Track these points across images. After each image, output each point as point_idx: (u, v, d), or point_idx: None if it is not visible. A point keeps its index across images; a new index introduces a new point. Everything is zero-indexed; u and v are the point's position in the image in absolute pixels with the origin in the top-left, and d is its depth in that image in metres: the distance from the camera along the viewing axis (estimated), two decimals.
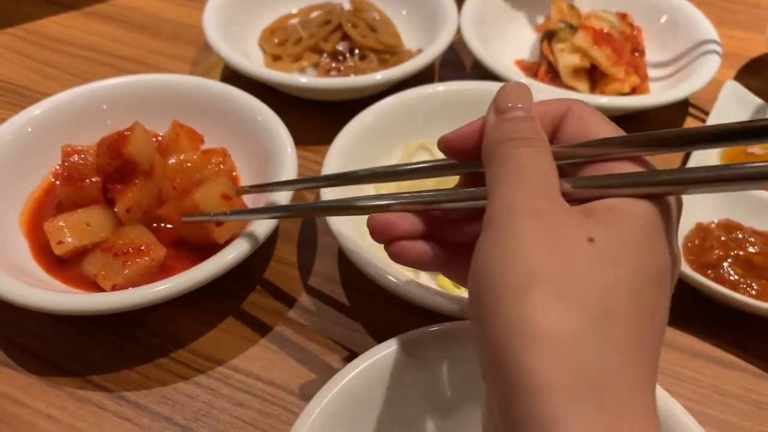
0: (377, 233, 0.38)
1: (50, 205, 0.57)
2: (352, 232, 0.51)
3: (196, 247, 0.53)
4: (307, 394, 0.48)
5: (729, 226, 0.57)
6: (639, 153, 0.31)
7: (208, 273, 0.48)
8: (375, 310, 0.54)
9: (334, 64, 0.77)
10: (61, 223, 0.52)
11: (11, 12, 0.86)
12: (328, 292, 0.55)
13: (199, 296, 0.50)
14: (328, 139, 0.58)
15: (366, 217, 0.57)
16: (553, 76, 0.75)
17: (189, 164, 0.56)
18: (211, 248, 0.51)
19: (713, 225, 0.57)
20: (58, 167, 0.58)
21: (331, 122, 0.62)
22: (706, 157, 0.62)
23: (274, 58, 0.78)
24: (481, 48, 0.72)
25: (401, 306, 0.49)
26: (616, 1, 0.82)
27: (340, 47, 0.78)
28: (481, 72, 0.74)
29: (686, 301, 0.53)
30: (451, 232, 0.38)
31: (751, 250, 0.55)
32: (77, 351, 0.50)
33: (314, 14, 0.83)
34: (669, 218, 0.29)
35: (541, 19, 0.81)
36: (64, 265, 0.52)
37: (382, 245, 0.55)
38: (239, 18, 0.79)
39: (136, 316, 0.51)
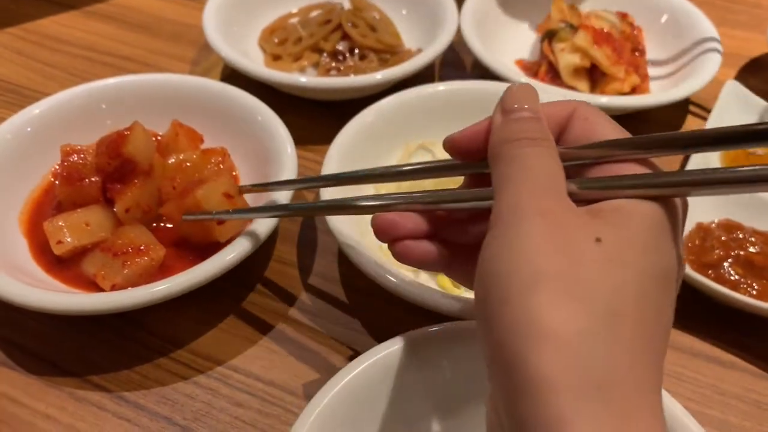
0: (381, 232, 0.38)
1: (49, 204, 0.57)
2: (352, 231, 0.51)
3: (197, 246, 0.53)
4: (306, 394, 0.48)
5: (729, 226, 0.57)
6: (644, 155, 0.31)
7: (208, 273, 0.48)
8: (375, 310, 0.54)
9: (334, 64, 0.77)
10: (60, 223, 0.52)
11: (11, 11, 0.86)
12: (328, 292, 0.55)
13: (199, 296, 0.50)
14: (328, 139, 0.58)
15: (366, 216, 0.57)
16: (553, 75, 0.75)
17: (188, 164, 0.56)
18: (210, 248, 0.51)
19: (714, 225, 0.57)
20: (57, 167, 0.58)
21: (331, 122, 0.62)
22: (706, 158, 0.62)
23: (274, 58, 0.78)
24: (481, 47, 0.72)
25: (401, 306, 0.49)
26: (616, 0, 0.82)
27: (340, 47, 0.78)
28: (482, 71, 0.74)
29: (686, 300, 0.53)
30: (455, 233, 0.38)
31: (751, 250, 0.55)
32: (76, 351, 0.50)
33: (314, 14, 0.83)
34: (675, 220, 0.30)
35: (541, 19, 0.80)
36: (63, 265, 0.52)
37: (382, 245, 0.55)
38: (239, 18, 0.79)
39: (136, 315, 0.51)
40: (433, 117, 0.64)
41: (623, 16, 0.78)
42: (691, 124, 0.74)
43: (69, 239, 0.51)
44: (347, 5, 0.83)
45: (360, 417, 0.39)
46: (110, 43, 0.82)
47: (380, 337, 0.47)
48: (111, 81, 0.63)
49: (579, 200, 0.30)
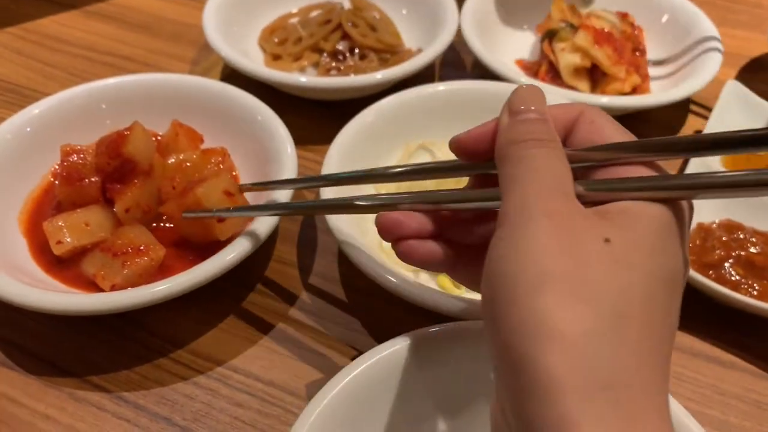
0: (385, 231, 0.38)
1: (49, 204, 0.57)
2: (352, 231, 0.51)
3: (197, 245, 0.53)
4: (306, 394, 0.48)
5: (730, 227, 0.56)
6: (651, 158, 0.31)
7: (208, 273, 0.48)
8: (375, 310, 0.54)
9: (334, 64, 0.77)
10: (60, 223, 0.52)
11: (11, 11, 0.86)
12: (328, 292, 0.55)
13: (199, 296, 0.50)
14: (328, 138, 0.58)
15: (367, 216, 0.57)
16: (553, 75, 0.75)
17: (188, 164, 0.56)
18: (210, 248, 0.51)
19: (714, 225, 0.57)
20: (57, 167, 0.58)
21: (331, 122, 0.62)
22: (706, 159, 0.62)
23: (274, 58, 0.78)
24: (481, 47, 0.72)
25: (401, 306, 0.49)
26: (617, 0, 0.82)
27: (340, 46, 0.78)
28: (482, 71, 0.74)
29: (687, 301, 0.52)
30: (460, 233, 0.38)
31: (752, 250, 0.55)
32: (76, 351, 0.50)
33: (314, 13, 0.83)
34: (682, 222, 0.30)
35: (541, 19, 0.80)
36: (63, 265, 0.52)
37: (382, 245, 0.55)
38: (239, 17, 0.79)
39: (136, 316, 0.51)
40: (434, 117, 0.64)
41: (624, 16, 0.78)
42: (691, 124, 0.74)
43: (69, 239, 0.51)
44: (347, 5, 0.83)
45: (360, 417, 0.39)
46: (110, 42, 0.82)
47: (380, 337, 0.47)
48: (111, 81, 0.63)
49: (586, 202, 0.30)
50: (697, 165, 0.61)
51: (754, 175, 0.27)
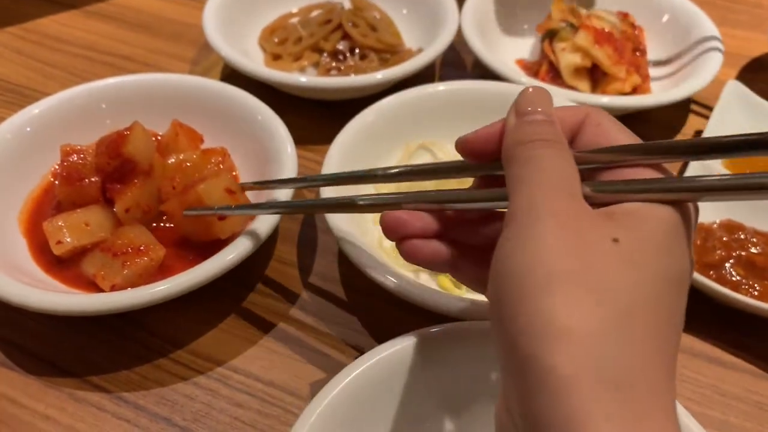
0: (389, 230, 0.38)
1: (49, 204, 0.57)
2: (352, 231, 0.51)
3: (197, 243, 0.53)
4: (306, 395, 0.48)
5: (731, 227, 0.56)
6: (656, 160, 0.32)
7: (208, 273, 0.48)
8: (375, 310, 0.54)
9: (334, 64, 0.77)
10: (60, 223, 0.52)
11: (11, 11, 0.86)
12: (329, 292, 0.55)
13: (199, 296, 0.50)
14: (328, 138, 0.58)
15: (366, 216, 0.57)
16: (554, 75, 0.75)
17: (188, 164, 0.56)
18: (211, 247, 0.51)
19: (715, 225, 0.57)
20: (57, 167, 0.58)
21: (331, 122, 0.62)
22: (708, 161, 0.61)
23: (274, 58, 0.78)
24: (481, 47, 0.72)
25: (401, 306, 0.49)
26: (617, 0, 0.82)
27: (341, 46, 0.78)
28: (482, 71, 0.74)
29: (687, 301, 0.53)
30: (464, 233, 0.38)
31: (753, 250, 0.55)
32: (76, 351, 0.50)
33: (314, 13, 0.83)
34: (688, 224, 0.30)
35: (541, 19, 0.80)
36: (63, 265, 0.52)
37: (382, 244, 0.55)
38: (239, 17, 0.79)
39: (136, 316, 0.51)
40: (434, 117, 0.64)
41: (624, 16, 0.78)
42: (692, 124, 0.74)
43: (69, 239, 0.51)
44: (347, 5, 0.83)
45: (360, 418, 0.39)
46: (110, 42, 0.82)
47: (380, 338, 0.47)
48: (111, 81, 0.63)
49: (592, 203, 0.30)
50: (698, 166, 0.61)
51: (760, 178, 0.28)
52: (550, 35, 0.76)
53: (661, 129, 0.73)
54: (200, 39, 0.79)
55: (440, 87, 0.65)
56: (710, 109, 0.71)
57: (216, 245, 0.51)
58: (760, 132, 0.29)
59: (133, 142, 0.53)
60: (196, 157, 0.57)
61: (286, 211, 0.50)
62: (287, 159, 0.56)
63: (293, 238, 0.59)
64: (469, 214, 0.38)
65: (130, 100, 0.63)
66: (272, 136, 0.58)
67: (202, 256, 0.50)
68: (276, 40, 0.79)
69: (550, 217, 0.28)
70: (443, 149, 0.63)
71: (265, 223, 0.51)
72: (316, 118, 0.71)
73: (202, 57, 0.80)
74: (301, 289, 0.55)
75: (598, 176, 0.32)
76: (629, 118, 0.70)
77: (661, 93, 0.73)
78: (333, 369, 0.49)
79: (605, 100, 0.68)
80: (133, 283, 0.49)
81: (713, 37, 0.75)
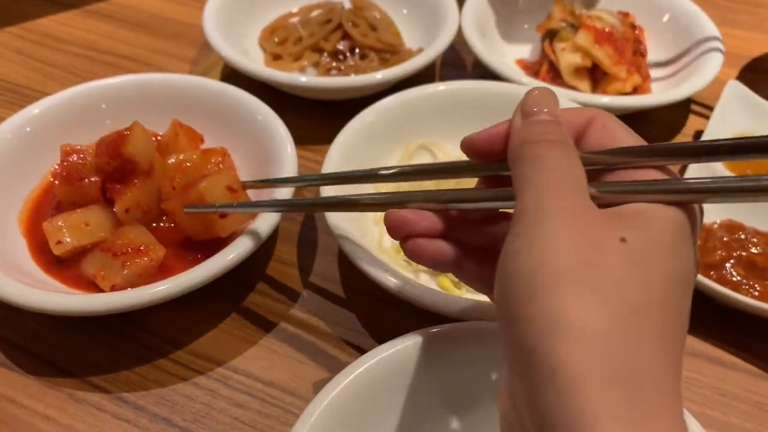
0: (393, 229, 0.38)
1: (49, 204, 0.57)
2: (352, 232, 0.51)
3: (198, 242, 0.52)
4: (306, 395, 0.48)
5: (731, 227, 0.56)
6: (662, 162, 0.32)
7: (208, 273, 0.48)
8: (375, 311, 0.54)
9: (334, 64, 0.77)
10: (60, 223, 0.52)
11: (11, 10, 0.86)
12: (328, 292, 0.55)
13: (199, 296, 0.50)
14: (328, 138, 0.58)
15: (367, 216, 0.57)
16: (554, 75, 0.75)
17: (188, 164, 0.56)
18: (211, 247, 0.51)
19: (716, 225, 0.57)
20: (57, 167, 0.58)
21: (331, 122, 0.62)
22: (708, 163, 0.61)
23: (274, 57, 0.78)
24: (482, 47, 0.72)
25: (401, 306, 0.49)
26: (617, 0, 0.82)
27: (341, 46, 0.78)
28: (482, 71, 0.74)
29: None
30: (468, 234, 0.38)
31: (753, 250, 0.55)
32: (76, 351, 0.50)
33: (314, 13, 0.82)
34: (694, 225, 0.30)
35: (541, 19, 0.80)
36: (62, 265, 0.52)
37: (382, 245, 0.55)
38: (239, 17, 0.79)
39: (135, 316, 0.51)
40: (434, 117, 0.64)
41: (624, 16, 0.78)
42: (692, 124, 0.74)
43: (68, 239, 0.51)
44: (348, 5, 0.83)
45: (361, 418, 0.39)
46: (110, 42, 0.82)
47: (381, 338, 0.47)
48: (111, 81, 0.63)
49: (598, 203, 0.30)
50: (698, 166, 0.61)
51: (765, 181, 0.28)
52: (550, 35, 0.76)
53: (661, 129, 0.73)
54: (200, 39, 0.79)
55: (440, 87, 0.65)
56: (711, 109, 0.71)
57: (216, 244, 0.51)
58: (760, 135, 0.29)
59: (133, 142, 0.52)
60: (196, 157, 0.57)
61: (287, 209, 0.50)
62: (287, 159, 0.56)
63: (293, 238, 0.59)
64: (473, 214, 0.38)
65: (130, 100, 0.63)
66: (272, 136, 0.58)
67: (202, 256, 0.50)
68: (276, 39, 0.79)
69: (558, 216, 0.28)
70: (443, 149, 0.63)
71: (265, 223, 0.51)
72: (316, 118, 0.71)
73: (202, 57, 0.80)
74: (301, 289, 0.55)
75: (603, 177, 0.33)
76: (629, 118, 0.70)
77: (661, 93, 0.73)
78: (333, 369, 0.49)
79: (605, 100, 0.68)
80: (133, 283, 0.49)
81: (713, 37, 0.75)
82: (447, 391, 0.42)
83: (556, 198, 0.28)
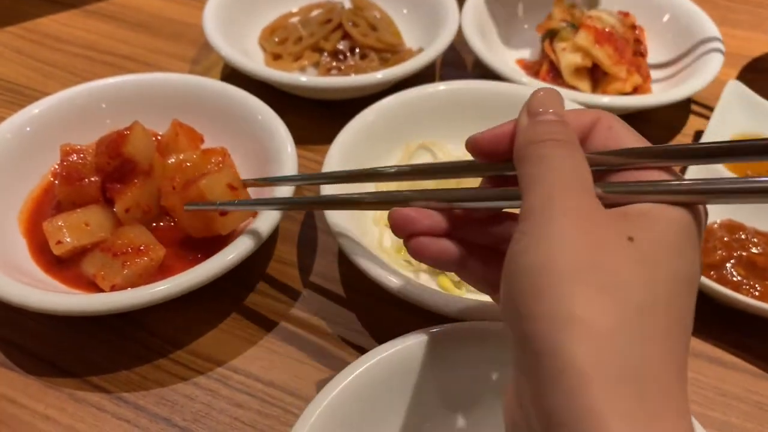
0: (397, 227, 0.38)
1: (49, 204, 0.56)
2: (352, 231, 0.51)
3: (198, 242, 0.52)
4: (306, 395, 0.48)
5: (732, 227, 0.56)
6: (667, 164, 0.32)
7: (208, 273, 0.48)
8: (375, 311, 0.54)
9: (334, 63, 0.77)
10: (60, 223, 0.52)
11: (11, 10, 0.86)
12: (328, 292, 0.55)
13: (199, 296, 0.50)
14: (328, 138, 0.58)
15: (367, 216, 0.57)
16: (554, 75, 0.75)
17: (188, 164, 0.56)
18: (211, 247, 0.51)
19: (716, 225, 0.57)
20: (57, 166, 0.58)
21: (331, 122, 0.62)
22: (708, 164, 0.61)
23: (275, 57, 0.78)
24: (482, 47, 0.72)
25: (401, 306, 0.49)
26: (617, 0, 0.82)
27: (341, 46, 0.78)
28: (482, 71, 0.74)
29: None
30: (472, 233, 0.38)
31: (754, 250, 0.55)
32: (76, 351, 0.50)
33: (315, 13, 0.82)
34: (699, 226, 0.30)
35: (542, 19, 0.80)
36: (62, 265, 0.52)
37: (382, 245, 0.55)
38: (239, 17, 0.79)
39: (136, 316, 0.51)
40: (434, 117, 0.63)
41: (625, 16, 0.78)
42: (693, 124, 0.74)
43: (68, 239, 0.51)
44: (348, 4, 0.83)
45: (361, 418, 0.39)
46: (110, 42, 0.82)
47: (381, 338, 0.47)
48: (111, 80, 0.63)
49: (603, 204, 0.30)
50: (698, 167, 0.61)
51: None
52: (550, 35, 0.76)
53: (661, 129, 0.73)
54: (200, 38, 0.79)
55: (440, 87, 0.65)
56: (711, 109, 0.71)
57: (216, 244, 0.51)
58: (764, 138, 0.29)
59: (133, 142, 0.52)
60: (196, 157, 0.57)
61: (288, 207, 0.50)
62: (287, 159, 0.56)
63: (293, 238, 0.59)
64: (478, 214, 0.38)
65: (130, 99, 0.63)
66: (272, 136, 0.58)
67: (202, 255, 0.50)
68: (276, 39, 0.79)
69: (565, 214, 0.28)
70: (443, 149, 0.63)
71: (265, 222, 0.51)
72: (316, 118, 0.71)
73: (202, 57, 0.80)
74: (301, 289, 0.55)
75: (607, 178, 0.33)
76: (630, 118, 0.69)
77: (661, 93, 0.73)
78: (333, 369, 0.49)
79: (606, 100, 0.68)
80: (133, 283, 0.49)
81: (714, 37, 0.75)
82: (447, 391, 0.42)
83: (563, 197, 0.29)
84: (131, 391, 0.48)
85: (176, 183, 0.54)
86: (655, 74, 0.77)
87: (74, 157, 0.54)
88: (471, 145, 0.37)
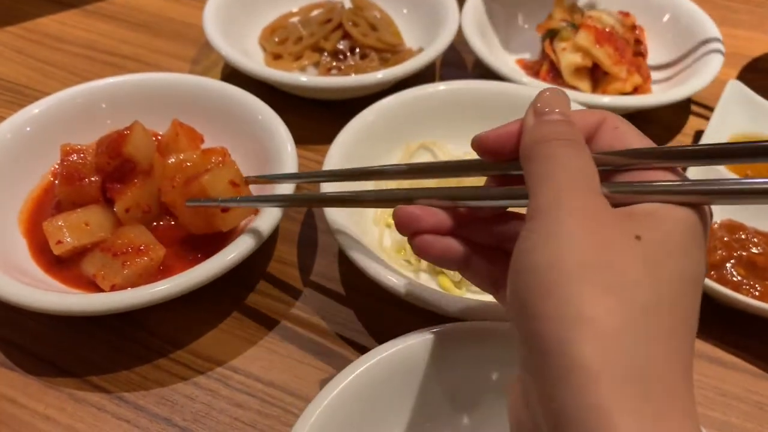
0: (402, 225, 0.38)
1: (49, 204, 0.56)
2: (352, 231, 0.51)
3: (198, 241, 0.52)
4: (306, 395, 0.48)
5: (732, 227, 0.56)
6: (672, 164, 0.32)
7: (208, 273, 0.48)
8: (375, 311, 0.54)
9: (334, 63, 0.77)
10: (60, 223, 0.52)
11: (12, 10, 0.86)
12: (329, 292, 0.55)
13: (199, 296, 0.50)
14: (328, 138, 0.58)
15: (367, 215, 0.57)
16: (554, 75, 0.75)
17: (189, 163, 0.56)
18: (211, 246, 0.51)
19: (716, 225, 0.57)
20: (57, 166, 0.58)
21: (331, 122, 0.62)
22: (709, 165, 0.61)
23: (275, 57, 0.78)
24: (482, 47, 0.72)
25: (401, 306, 0.49)
26: (617, 0, 0.82)
27: (341, 46, 0.78)
28: (483, 71, 0.74)
29: None
30: (477, 232, 0.38)
31: (754, 250, 0.55)
32: (76, 351, 0.50)
33: (315, 13, 0.82)
34: (705, 227, 0.30)
35: (542, 19, 0.80)
36: (62, 265, 0.52)
37: (382, 244, 0.55)
38: (239, 17, 0.79)
39: (136, 316, 0.51)
40: (434, 117, 0.63)
41: (625, 16, 0.78)
42: (693, 124, 0.74)
43: (68, 239, 0.51)
44: (348, 4, 0.83)
45: (361, 418, 0.39)
46: (110, 42, 0.82)
47: (381, 338, 0.47)
48: (111, 80, 0.63)
49: (610, 203, 0.30)
50: (699, 168, 0.61)
51: None
52: (550, 35, 0.76)
53: (661, 129, 0.73)
54: (200, 38, 0.79)
55: (440, 87, 0.65)
56: (711, 109, 0.71)
57: (216, 244, 0.51)
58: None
59: (133, 142, 0.52)
60: (197, 157, 0.56)
61: (290, 204, 0.50)
62: (287, 159, 0.56)
63: (293, 238, 0.59)
64: (482, 212, 0.38)
65: (130, 99, 0.63)
66: (272, 135, 0.58)
67: (203, 255, 0.50)
68: (276, 39, 0.79)
69: (572, 214, 0.28)
70: (444, 149, 0.63)
71: (265, 222, 0.51)
72: (316, 118, 0.71)
73: (203, 56, 0.80)
74: (302, 288, 0.55)
75: (613, 178, 0.33)
76: (630, 118, 0.69)
77: (661, 93, 0.73)
78: (333, 369, 0.49)
79: (606, 100, 0.68)
80: (133, 283, 0.49)
81: (714, 38, 0.75)
82: (448, 391, 0.42)
83: (570, 196, 0.29)
84: (131, 391, 0.48)
85: (176, 183, 0.54)
86: (655, 74, 0.77)
87: (74, 156, 0.54)
88: (477, 143, 0.37)
